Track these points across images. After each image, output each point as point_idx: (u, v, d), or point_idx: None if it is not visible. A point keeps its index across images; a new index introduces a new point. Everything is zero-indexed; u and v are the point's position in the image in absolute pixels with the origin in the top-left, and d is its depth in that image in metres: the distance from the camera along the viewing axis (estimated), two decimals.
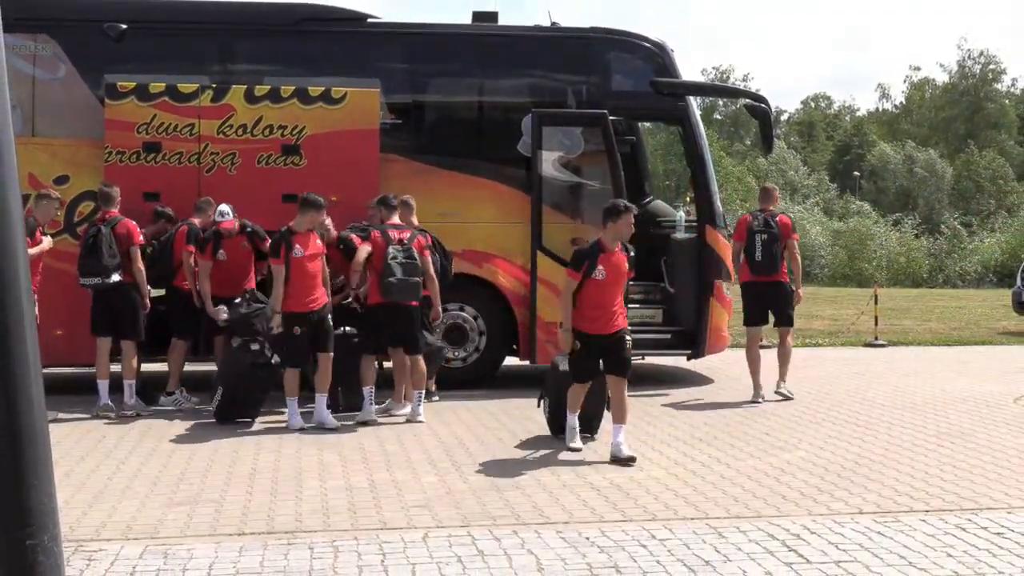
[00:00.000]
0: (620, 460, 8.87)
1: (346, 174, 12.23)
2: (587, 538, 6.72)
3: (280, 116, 12.22)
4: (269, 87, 12.28)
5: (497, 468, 8.72)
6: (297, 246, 10.38)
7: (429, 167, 12.74)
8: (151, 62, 12.60)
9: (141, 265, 10.96)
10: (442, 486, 8.10)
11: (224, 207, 11.51)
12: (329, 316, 10.58)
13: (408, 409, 10.93)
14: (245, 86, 12.26)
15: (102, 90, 12.19)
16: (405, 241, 10.68)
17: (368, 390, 10.80)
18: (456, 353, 12.81)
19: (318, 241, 10.59)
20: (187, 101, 12.12)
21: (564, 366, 9.70)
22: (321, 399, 10.50)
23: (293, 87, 12.27)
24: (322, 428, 10.31)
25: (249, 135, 12.18)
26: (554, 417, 10.00)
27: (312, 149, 12.25)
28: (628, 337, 9.26)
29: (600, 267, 9.03)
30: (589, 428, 9.93)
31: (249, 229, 11.46)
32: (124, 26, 12.37)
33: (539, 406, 10.33)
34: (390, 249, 10.52)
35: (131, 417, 10.93)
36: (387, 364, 11.50)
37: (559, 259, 12.39)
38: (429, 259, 10.91)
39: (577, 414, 9.58)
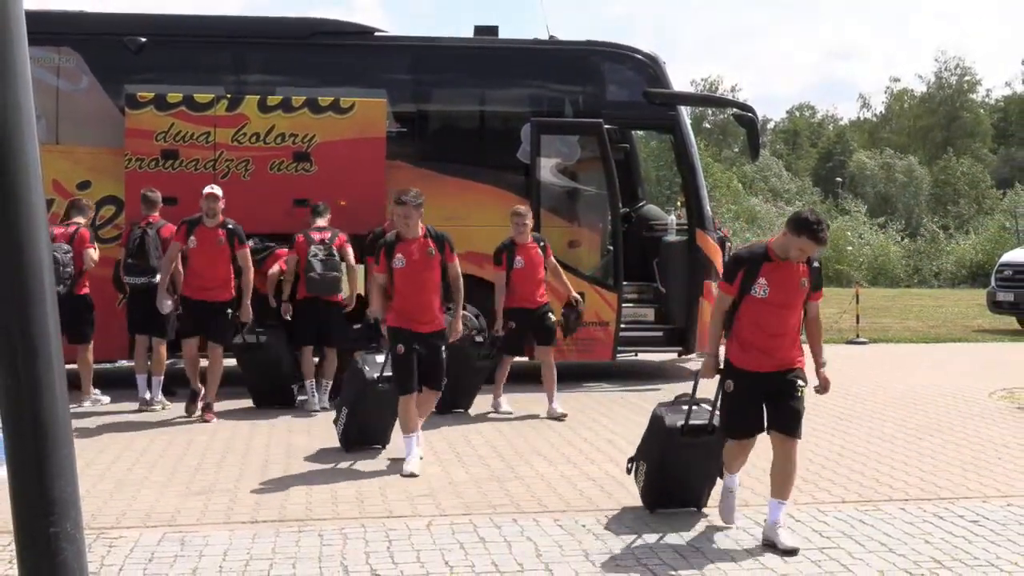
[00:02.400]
0: (779, 548, 6.22)
1: (354, 180, 12.22)
2: (583, 526, 6.72)
3: (291, 125, 12.21)
4: (281, 97, 12.27)
5: (498, 460, 8.71)
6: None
7: (433, 173, 12.71)
8: (169, 73, 12.61)
9: (181, 267, 10.88)
10: (445, 476, 8.09)
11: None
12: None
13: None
14: (258, 96, 12.26)
15: (122, 100, 12.18)
16: (326, 240, 11.11)
17: (309, 383, 11.21)
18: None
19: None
20: (203, 110, 12.11)
21: (672, 420, 6.98)
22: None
23: (304, 97, 12.26)
24: (330, 423, 10.32)
25: (262, 143, 12.17)
26: (653, 487, 7.07)
27: (322, 156, 12.24)
28: (802, 382, 6.43)
29: (762, 280, 6.41)
30: (696, 502, 7.18)
31: (230, 226, 10.57)
32: (143, 39, 12.39)
33: (630, 472, 7.30)
34: (312, 248, 11.00)
35: (158, 410, 10.98)
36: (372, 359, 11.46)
37: (557, 261, 12.36)
38: (350, 253, 11.28)
39: (736, 478, 6.82)
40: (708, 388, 6.80)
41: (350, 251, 11.30)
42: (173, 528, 6.66)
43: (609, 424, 10.31)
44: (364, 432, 9.05)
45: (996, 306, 21.65)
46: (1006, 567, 5.93)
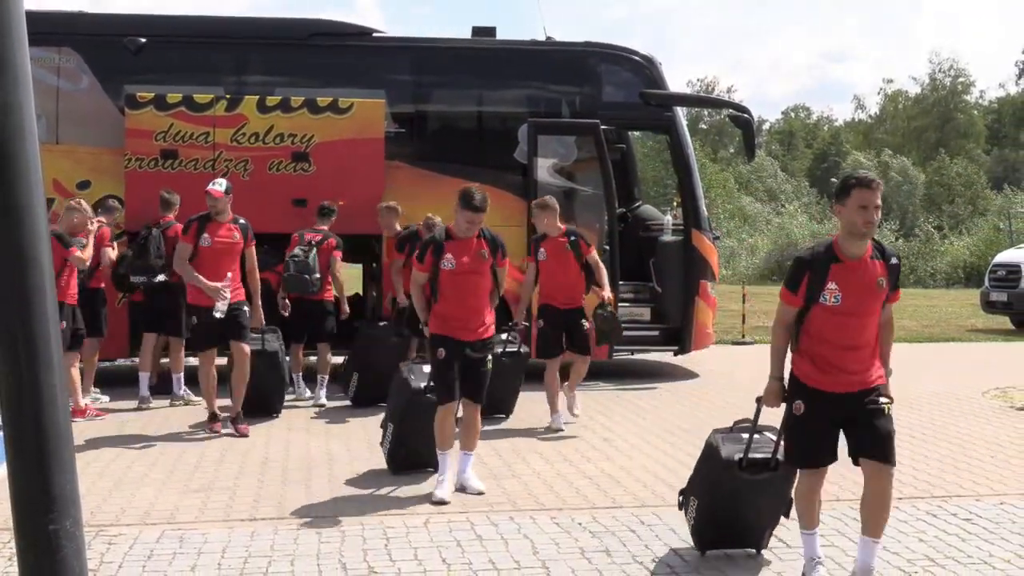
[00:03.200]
0: None
1: (352, 180, 12.23)
2: (579, 523, 6.73)
3: (290, 125, 12.21)
4: (280, 98, 12.28)
5: (495, 458, 8.71)
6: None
7: (432, 173, 12.73)
8: (169, 74, 12.62)
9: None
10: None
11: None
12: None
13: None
14: (257, 97, 12.26)
15: (122, 100, 12.19)
16: (314, 242, 11.29)
17: (297, 375, 11.64)
18: None
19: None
20: (203, 111, 12.12)
21: (729, 451, 5.99)
22: None
23: (303, 98, 12.27)
24: (328, 421, 10.37)
25: (261, 143, 12.18)
26: (705, 526, 6.12)
27: (320, 156, 12.24)
28: (885, 399, 5.59)
29: (833, 285, 5.41)
30: (755, 543, 6.24)
31: (242, 221, 10.14)
32: (143, 40, 12.40)
33: (681, 508, 6.35)
34: (297, 248, 11.26)
35: (181, 405, 11.05)
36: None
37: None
38: (336, 259, 11.34)
39: (817, 539, 5.75)
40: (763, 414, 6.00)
41: (337, 257, 11.38)
42: (172, 526, 6.65)
43: (605, 423, 10.31)
44: (413, 452, 8.13)
45: (989, 306, 21.68)
46: (999, 565, 5.94)
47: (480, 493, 7.46)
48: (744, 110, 13.94)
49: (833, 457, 5.56)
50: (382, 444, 8.27)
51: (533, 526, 6.65)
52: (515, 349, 10.31)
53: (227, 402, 9.78)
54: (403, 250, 11.23)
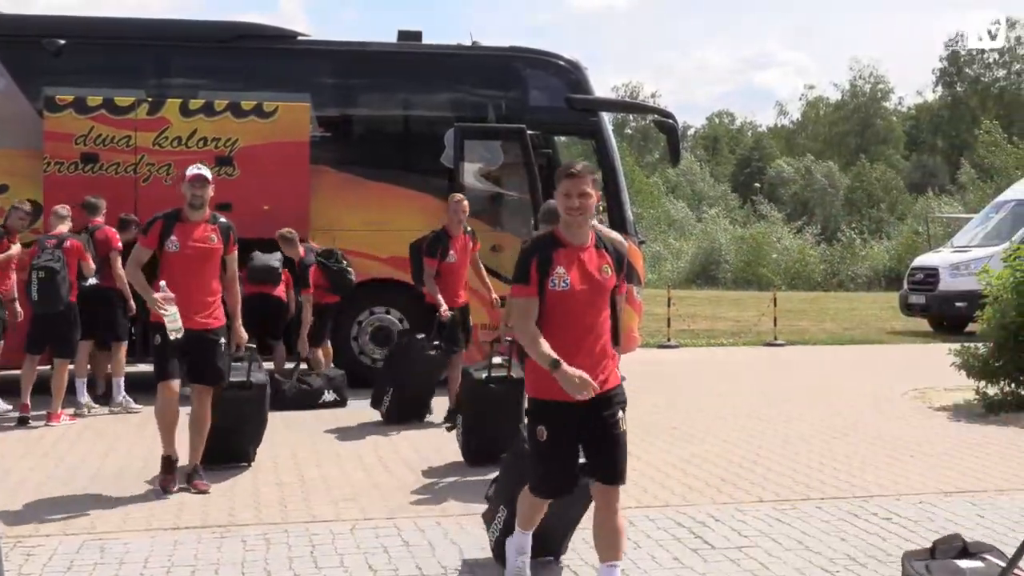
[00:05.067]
0: None
1: (277, 185, 12.14)
2: None
3: (214, 129, 12.09)
4: (203, 101, 12.16)
5: (422, 463, 8.68)
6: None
7: (357, 178, 12.69)
8: (89, 76, 12.41)
9: (121, 271, 10.65)
10: (369, 481, 8.04)
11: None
12: None
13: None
14: (180, 100, 12.12)
15: (41, 103, 11.98)
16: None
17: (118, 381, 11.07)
18: (383, 353, 12.77)
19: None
20: (124, 114, 11.95)
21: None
22: None
23: (227, 101, 12.15)
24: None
25: (184, 147, 12.04)
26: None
27: (245, 160, 12.13)
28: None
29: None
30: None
31: (222, 220, 9.87)
32: (62, 41, 12.19)
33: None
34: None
35: (120, 412, 10.88)
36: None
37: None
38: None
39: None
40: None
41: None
42: (93, 535, 6.53)
43: None
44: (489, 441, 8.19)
45: (908, 308, 22.10)
46: None
47: None
48: (669, 115, 14.05)
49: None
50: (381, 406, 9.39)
51: (461, 531, 6.63)
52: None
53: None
54: (435, 254, 10.27)
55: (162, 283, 7.44)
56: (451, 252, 10.23)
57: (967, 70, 77.16)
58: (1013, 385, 11.13)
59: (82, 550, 6.21)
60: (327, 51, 13.33)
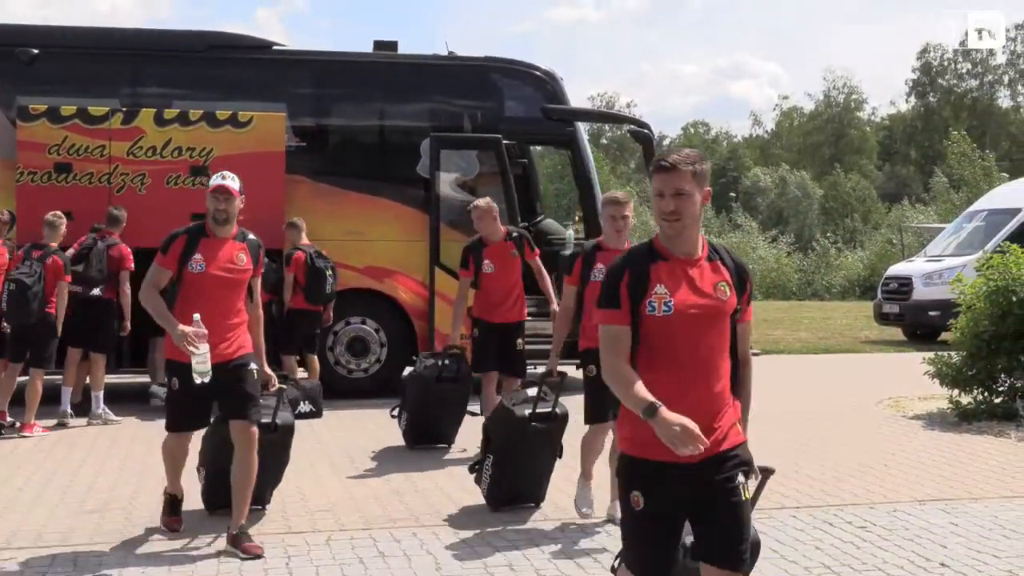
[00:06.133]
0: None
1: (252, 195, 11.99)
2: (483, 538, 6.71)
3: (188, 138, 12.05)
4: (178, 111, 12.12)
5: (398, 473, 8.66)
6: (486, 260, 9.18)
7: (333, 188, 12.68)
8: (63, 86, 12.36)
9: (128, 289, 10.70)
10: (345, 491, 8.02)
11: None
12: None
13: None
14: (155, 109, 12.08)
15: (14, 112, 11.92)
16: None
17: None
18: (359, 364, 12.78)
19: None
20: (98, 123, 11.90)
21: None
22: None
23: (202, 111, 12.11)
24: None
25: (159, 156, 12.00)
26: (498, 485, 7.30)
27: (219, 170, 12.04)
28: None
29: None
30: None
31: (251, 236, 8.33)
32: (36, 51, 12.14)
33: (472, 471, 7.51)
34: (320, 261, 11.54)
35: (99, 424, 10.80)
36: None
37: (455, 274, 12.42)
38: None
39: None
40: None
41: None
42: (66, 548, 6.48)
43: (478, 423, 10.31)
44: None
45: (882, 318, 22.20)
46: (893, 571, 6.06)
47: None
48: (644, 125, 14.11)
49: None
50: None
51: (436, 541, 6.62)
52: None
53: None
54: (466, 265, 9.29)
55: (196, 316, 6.22)
56: (485, 262, 9.16)
57: (940, 80, 77.75)
58: (986, 394, 11.19)
59: (55, 563, 6.17)
60: (303, 61, 13.33)
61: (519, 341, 9.25)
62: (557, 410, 7.41)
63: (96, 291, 10.75)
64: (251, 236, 6.89)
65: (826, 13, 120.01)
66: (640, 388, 3.79)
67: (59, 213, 10.64)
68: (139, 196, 11.86)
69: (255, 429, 6.52)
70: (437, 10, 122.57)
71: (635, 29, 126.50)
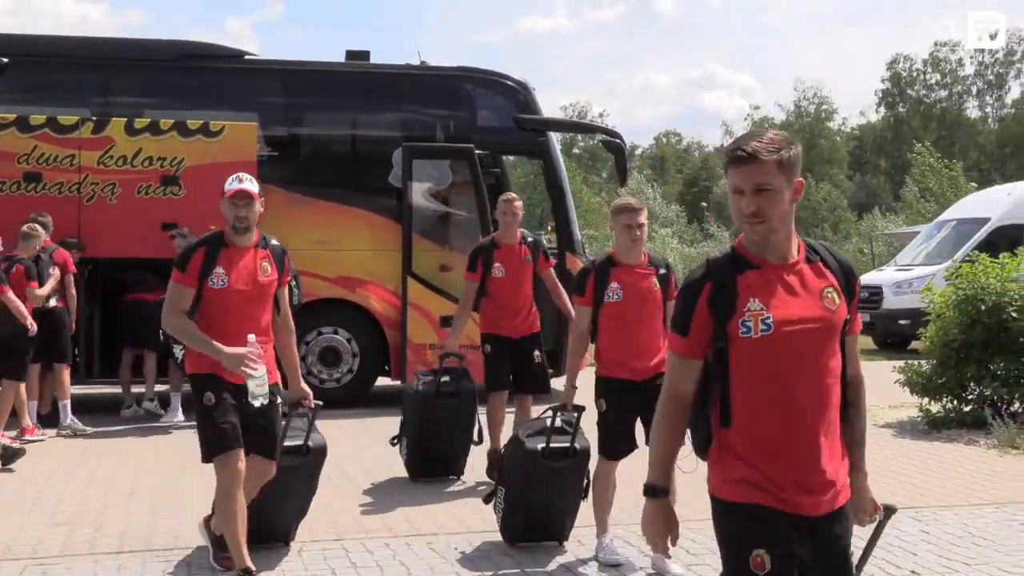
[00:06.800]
0: None
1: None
2: (455, 548, 6.70)
3: (159, 148, 11.99)
4: (149, 120, 12.07)
5: (370, 484, 8.63)
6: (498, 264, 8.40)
7: (306, 198, 12.65)
8: (33, 95, 12.31)
9: (75, 292, 10.94)
10: (317, 501, 7.96)
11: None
12: None
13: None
14: (125, 119, 12.02)
15: None
16: None
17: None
18: (331, 374, 12.74)
19: None
20: (68, 133, 11.83)
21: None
22: None
23: (172, 120, 12.07)
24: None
25: (129, 166, 11.93)
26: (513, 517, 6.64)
27: (191, 180, 12.04)
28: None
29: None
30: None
31: (274, 242, 7.15)
32: (5, 60, 12.08)
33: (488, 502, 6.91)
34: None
35: (68, 435, 10.72)
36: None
37: (429, 284, 12.50)
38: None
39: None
40: None
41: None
42: (35, 560, 6.43)
43: (484, 446, 10.29)
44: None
45: None
46: None
47: None
48: (616, 135, 14.16)
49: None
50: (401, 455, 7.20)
51: (409, 552, 6.61)
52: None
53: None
54: (474, 267, 8.51)
55: (252, 337, 5.68)
56: (496, 265, 8.36)
57: (909, 91, 78.32)
58: (956, 402, 11.27)
59: (23, 575, 6.11)
60: (274, 70, 13.33)
61: (537, 353, 8.46)
62: (577, 445, 6.61)
63: (52, 301, 10.68)
64: (274, 242, 6.16)
65: (796, 24, 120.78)
66: (669, 461, 3.40)
67: (35, 226, 10.59)
68: (109, 206, 11.80)
69: (272, 467, 5.98)
70: (409, 20, 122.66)
71: (607, 40, 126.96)
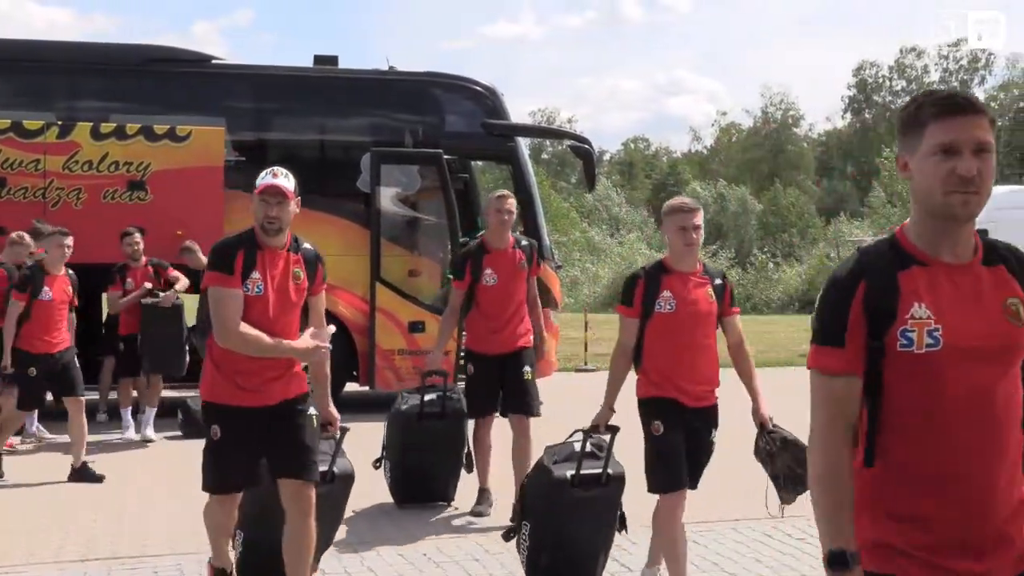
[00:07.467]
0: None
1: (191, 209, 11.98)
2: (424, 554, 6.71)
3: (126, 153, 11.92)
4: (115, 124, 11.99)
5: (350, 511, 8.58)
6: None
7: None
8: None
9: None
10: None
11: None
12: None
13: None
14: (91, 123, 11.94)
15: None
16: None
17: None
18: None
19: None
20: (33, 137, 11.74)
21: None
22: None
23: (139, 125, 11.99)
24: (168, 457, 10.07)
25: (95, 171, 11.85)
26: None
27: (157, 185, 11.97)
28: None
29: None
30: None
31: (306, 247, 6.60)
32: None
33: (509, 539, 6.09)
34: None
35: (33, 443, 10.69)
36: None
37: (397, 289, 12.48)
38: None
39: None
40: None
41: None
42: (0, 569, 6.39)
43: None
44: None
45: None
46: None
47: None
48: (584, 141, 14.18)
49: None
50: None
51: (378, 559, 6.60)
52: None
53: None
54: (461, 274, 7.76)
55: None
56: (486, 271, 7.57)
57: (875, 97, 78.95)
58: None
59: None
60: (242, 75, 13.26)
61: (526, 369, 7.69)
62: (610, 471, 5.95)
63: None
64: (306, 245, 5.61)
65: (763, 31, 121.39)
66: (846, 517, 2.54)
67: (22, 233, 10.36)
68: (75, 211, 11.70)
69: (313, 492, 5.21)
70: (377, 26, 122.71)
71: (575, 46, 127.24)
